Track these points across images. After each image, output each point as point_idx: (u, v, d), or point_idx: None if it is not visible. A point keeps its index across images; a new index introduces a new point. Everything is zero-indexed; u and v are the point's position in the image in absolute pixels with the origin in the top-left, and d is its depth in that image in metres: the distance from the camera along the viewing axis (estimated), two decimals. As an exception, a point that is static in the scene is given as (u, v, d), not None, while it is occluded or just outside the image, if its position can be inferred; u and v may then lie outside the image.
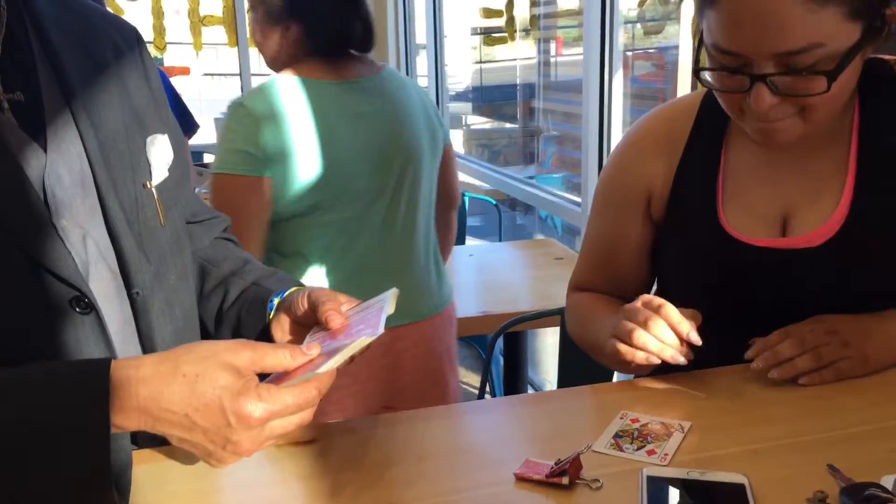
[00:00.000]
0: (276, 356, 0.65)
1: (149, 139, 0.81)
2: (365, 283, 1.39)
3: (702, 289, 1.00)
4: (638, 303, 0.88)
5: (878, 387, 0.87)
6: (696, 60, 0.90)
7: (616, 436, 0.77)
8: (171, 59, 6.02)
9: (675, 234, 1.03)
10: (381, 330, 0.67)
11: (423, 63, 4.71)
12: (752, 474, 0.68)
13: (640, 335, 0.84)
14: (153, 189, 0.79)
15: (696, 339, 0.84)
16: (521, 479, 0.70)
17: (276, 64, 1.46)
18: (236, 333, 0.87)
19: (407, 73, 4.85)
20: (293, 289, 0.85)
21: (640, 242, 1.06)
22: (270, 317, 0.83)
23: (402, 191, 1.47)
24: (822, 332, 0.88)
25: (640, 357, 0.85)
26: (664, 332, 0.84)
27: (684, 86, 2.14)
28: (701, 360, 0.89)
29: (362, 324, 0.70)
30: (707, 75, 0.87)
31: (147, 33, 4.28)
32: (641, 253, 1.07)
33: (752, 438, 0.76)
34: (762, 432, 0.78)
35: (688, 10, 1.88)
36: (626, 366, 0.88)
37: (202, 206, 0.99)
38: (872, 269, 0.92)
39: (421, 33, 4.61)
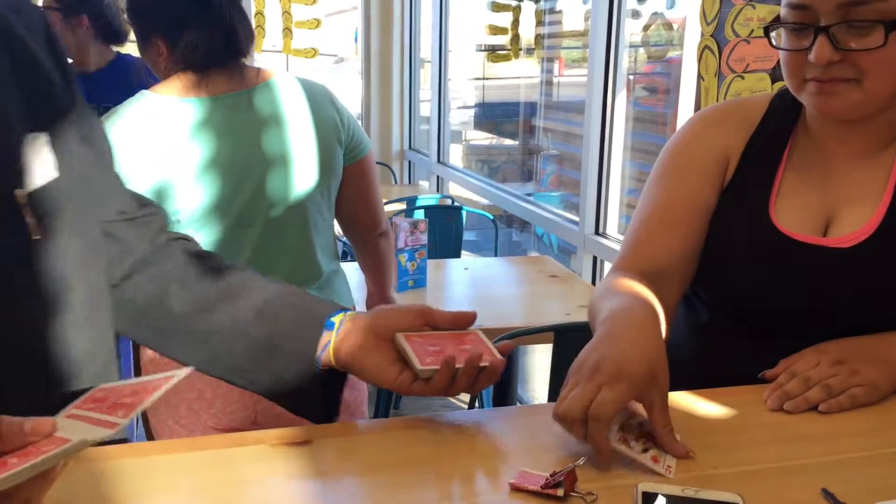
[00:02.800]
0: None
1: (26, 137, 0.68)
2: None
3: (736, 277, 1.01)
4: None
5: (877, 413, 0.87)
6: (766, 26, 0.95)
7: (621, 428, 0.76)
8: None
9: (725, 214, 1.02)
10: (125, 422, 0.56)
11: (426, 77, 4.73)
12: (747, 495, 0.68)
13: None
14: (22, 197, 0.67)
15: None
16: (515, 489, 0.70)
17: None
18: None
19: (410, 87, 4.87)
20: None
21: (708, 207, 1.03)
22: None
23: (272, 210, 1.42)
24: (828, 364, 0.89)
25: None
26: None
27: (686, 110, 2.16)
28: (731, 356, 0.91)
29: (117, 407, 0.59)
30: (774, 36, 0.94)
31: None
32: (706, 219, 1.04)
33: (748, 459, 0.76)
34: (759, 454, 0.78)
35: (692, 35, 1.90)
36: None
37: (132, 201, 0.87)
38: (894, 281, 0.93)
39: (426, 48, 4.64)
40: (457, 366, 0.79)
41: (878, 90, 0.90)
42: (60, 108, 0.73)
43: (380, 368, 0.81)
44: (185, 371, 0.62)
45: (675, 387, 0.93)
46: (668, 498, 0.67)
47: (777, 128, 1.04)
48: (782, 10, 0.92)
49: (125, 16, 1.49)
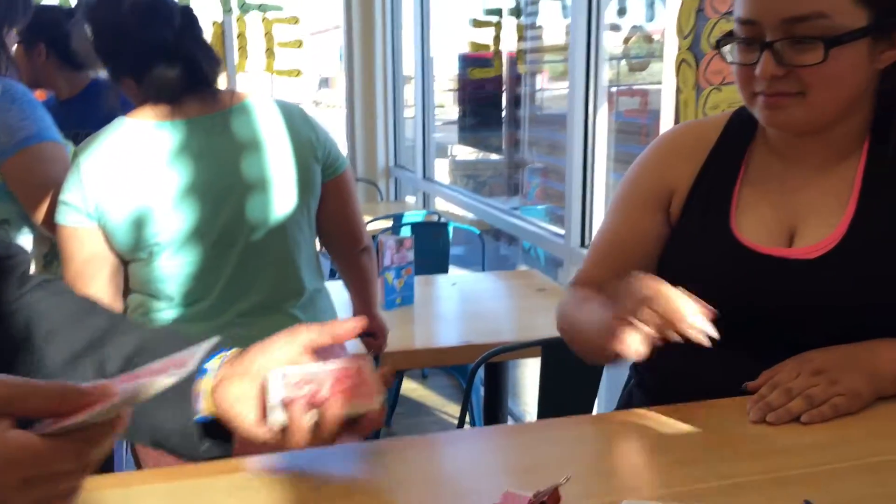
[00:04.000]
0: (42, 397, 0.51)
1: None
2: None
3: (704, 293, 1.01)
4: (638, 281, 0.87)
5: (858, 422, 0.87)
6: (718, 40, 0.98)
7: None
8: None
9: (687, 236, 1.06)
10: (189, 369, 0.56)
11: (410, 93, 4.75)
12: (730, 509, 0.68)
13: (646, 311, 0.83)
14: None
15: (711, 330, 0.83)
16: (499, 510, 0.70)
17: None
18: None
19: (394, 104, 4.89)
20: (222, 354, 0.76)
21: (655, 239, 1.09)
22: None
23: (252, 230, 1.43)
24: (808, 374, 0.90)
25: (643, 333, 0.83)
26: (683, 305, 0.83)
27: (667, 122, 2.17)
28: (703, 371, 0.92)
29: (171, 363, 0.58)
30: (726, 51, 0.97)
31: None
32: (654, 251, 1.09)
33: (732, 472, 0.76)
34: (742, 466, 0.78)
35: (671, 48, 1.92)
36: (624, 345, 0.85)
37: None
38: (866, 285, 0.94)
39: (409, 65, 4.66)
40: (310, 416, 0.70)
41: (821, 104, 0.92)
42: None
43: (242, 416, 0.73)
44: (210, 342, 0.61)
45: (652, 403, 0.94)
46: (651, 515, 0.67)
47: (734, 145, 1.07)
48: (734, 26, 0.95)
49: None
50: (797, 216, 1.00)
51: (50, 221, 1.60)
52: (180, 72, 1.38)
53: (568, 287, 1.17)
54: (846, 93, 0.93)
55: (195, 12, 1.45)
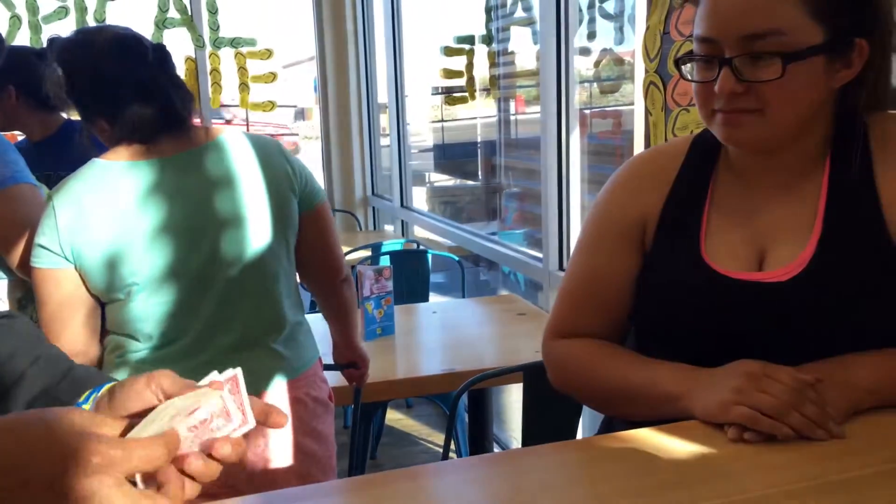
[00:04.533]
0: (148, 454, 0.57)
1: None
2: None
3: (679, 321, 1.03)
4: (758, 370, 0.89)
5: (863, 432, 0.87)
6: (677, 58, 1.00)
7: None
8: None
9: (659, 264, 1.06)
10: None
11: (385, 122, 4.77)
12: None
13: (794, 416, 0.85)
14: None
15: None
16: (481, 543, 0.69)
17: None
18: None
19: (370, 133, 4.91)
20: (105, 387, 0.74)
21: (631, 274, 1.09)
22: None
23: (231, 267, 1.42)
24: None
25: (776, 428, 0.85)
26: (814, 411, 0.85)
27: (639, 142, 2.20)
28: None
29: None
30: (685, 69, 0.99)
31: (108, 95, 4.28)
32: (631, 285, 1.09)
33: (724, 492, 0.76)
34: (746, 483, 0.78)
35: (640, 70, 1.94)
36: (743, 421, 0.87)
37: None
38: (839, 303, 0.95)
39: (383, 93, 4.68)
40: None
41: (780, 120, 0.94)
42: None
43: None
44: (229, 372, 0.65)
45: (632, 426, 0.94)
46: (634, 541, 0.67)
47: (697, 170, 1.07)
48: (693, 45, 0.97)
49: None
50: (765, 238, 1.00)
51: (25, 264, 1.59)
52: (155, 111, 1.37)
53: (549, 338, 1.15)
54: (804, 109, 0.94)
55: (167, 48, 1.44)
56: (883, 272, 0.94)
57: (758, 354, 0.93)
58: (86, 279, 1.37)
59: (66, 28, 3.94)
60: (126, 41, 1.38)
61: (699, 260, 1.01)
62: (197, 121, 1.45)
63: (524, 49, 4.22)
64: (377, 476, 0.85)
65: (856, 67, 0.94)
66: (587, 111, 3.63)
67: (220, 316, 1.42)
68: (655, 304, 1.06)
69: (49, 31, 3.96)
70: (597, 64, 2.94)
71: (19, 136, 2.32)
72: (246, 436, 1.38)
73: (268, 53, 4.37)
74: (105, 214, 1.35)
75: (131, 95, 1.36)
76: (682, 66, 0.99)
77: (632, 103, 3.07)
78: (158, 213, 1.37)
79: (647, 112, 1.86)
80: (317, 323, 1.73)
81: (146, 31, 4.08)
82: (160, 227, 1.37)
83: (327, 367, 1.65)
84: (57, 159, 2.19)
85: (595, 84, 3.21)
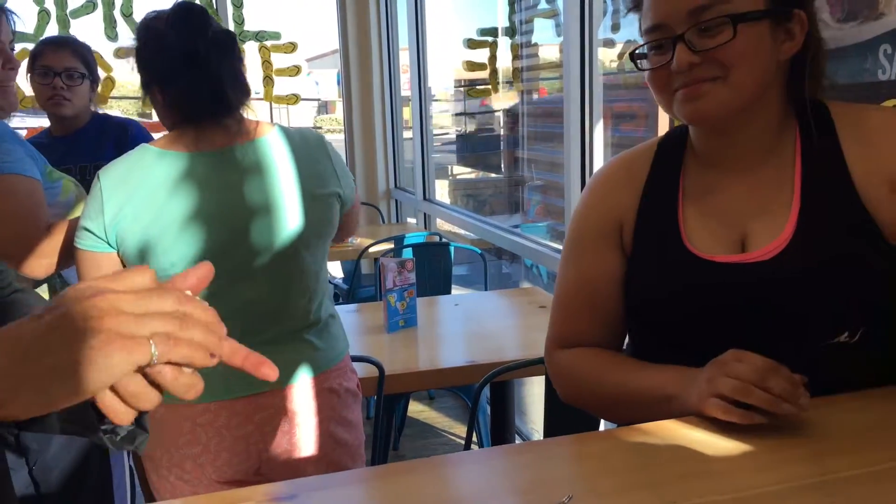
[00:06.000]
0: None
1: None
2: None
3: (670, 313, 1.05)
4: (729, 357, 0.91)
5: (863, 431, 0.87)
6: (632, 52, 1.02)
7: None
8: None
9: (643, 260, 1.09)
10: None
11: (408, 115, 4.78)
12: (733, 523, 0.68)
13: (757, 393, 0.86)
14: None
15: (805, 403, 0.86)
16: (502, 531, 0.70)
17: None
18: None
19: (393, 126, 4.92)
20: None
21: (618, 275, 1.12)
22: None
23: (268, 263, 1.43)
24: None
25: (748, 417, 0.86)
26: (779, 384, 0.86)
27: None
28: None
29: None
30: (640, 63, 1.01)
31: (135, 90, 4.33)
32: (618, 286, 1.12)
33: (733, 486, 0.77)
34: (743, 480, 0.78)
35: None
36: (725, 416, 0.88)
37: None
38: (822, 279, 0.96)
39: (406, 87, 4.69)
40: None
41: (743, 81, 0.96)
42: None
43: None
44: None
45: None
46: (654, 531, 0.67)
47: (667, 167, 1.10)
48: (644, 40, 1.00)
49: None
50: (744, 221, 1.02)
51: (15, 255, 1.56)
52: (205, 88, 1.38)
53: (551, 350, 1.18)
54: (760, 73, 0.97)
55: (237, 39, 1.46)
56: (864, 243, 0.95)
57: (750, 336, 0.95)
58: (126, 264, 1.40)
59: (93, 22, 3.99)
60: (192, 11, 1.39)
61: (682, 249, 1.04)
62: (248, 116, 1.45)
63: (548, 41, 4.20)
64: (400, 465, 0.86)
65: (798, 39, 0.97)
66: (611, 104, 3.61)
67: (252, 311, 1.44)
68: (645, 301, 1.08)
69: (77, 25, 4.01)
70: (621, 56, 2.92)
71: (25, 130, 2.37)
72: (274, 426, 1.39)
73: (292, 47, 4.39)
74: (143, 200, 1.37)
75: (185, 66, 1.37)
76: (638, 61, 1.02)
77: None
78: (200, 204, 1.39)
79: (672, 104, 1.85)
80: (343, 315, 1.74)
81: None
82: (201, 218, 1.39)
83: (354, 359, 1.67)
84: (83, 151, 2.24)
85: (619, 76, 3.20)
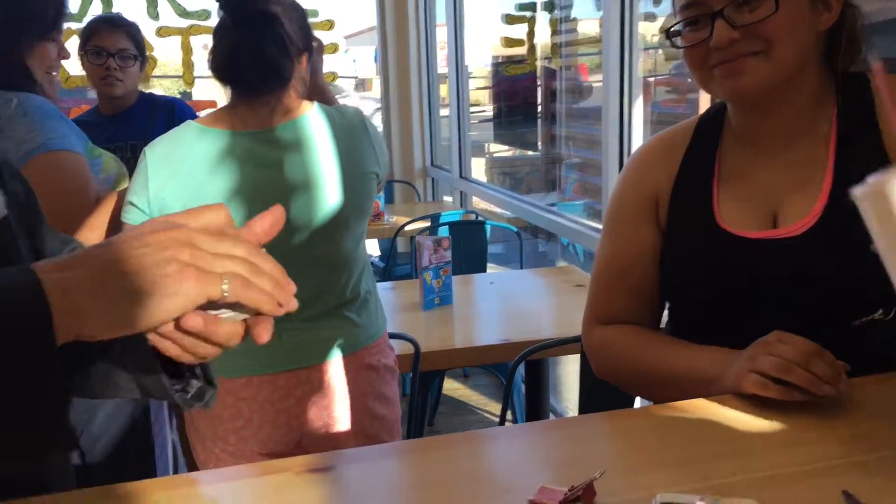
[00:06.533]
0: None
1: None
2: (280, 334, 1.36)
3: (704, 289, 1.06)
4: (773, 337, 0.91)
5: (893, 414, 0.86)
6: (667, 29, 1.01)
7: None
8: (199, 93, 6.15)
9: (676, 237, 1.09)
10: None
11: (444, 92, 4.76)
12: (766, 500, 0.68)
13: (798, 371, 0.86)
14: None
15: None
16: (534, 505, 0.71)
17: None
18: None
19: (429, 105, 4.91)
20: None
21: (654, 251, 1.12)
22: None
23: (308, 242, 1.44)
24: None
25: (786, 393, 0.86)
26: (823, 368, 0.85)
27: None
28: None
29: None
30: (676, 41, 1.00)
31: (177, 68, 4.39)
32: (655, 261, 1.12)
33: (765, 465, 0.76)
34: (775, 458, 0.78)
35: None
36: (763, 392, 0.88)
37: (60, 244, 0.88)
38: (853, 252, 0.93)
39: (443, 64, 4.67)
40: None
41: (785, 56, 0.94)
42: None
43: None
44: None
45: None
46: (687, 508, 0.68)
47: (704, 145, 1.10)
48: (677, 17, 0.99)
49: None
50: (776, 198, 1.02)
51: (66, 228, 1.61)
52: (250, 48, 1.38)
53: (588, 327, 1.18)
54: (801, 47, 0.95)
55: (307, 16, 1.50)
56: None
57: (783, 313, 0.95)
58: None
59: (136, 1, 4.04)
60: None
61: (714, 226, 1.04)
62: (292, 94, 1.45)
63: (587, 15, 4.14)
64: (436, 439, 0.87)
65: (835, 11, 0.96)
66: (651, 79, 3.56)
67: (296, 285, 1.46)
68: (679, 277, 1.09)
69: (120, 2, 4.06)
70: (662, 30, 2.86)
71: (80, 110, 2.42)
72: (314, 401, 1.42)
73: (329, 24, 4.40)
74: (185, 176, 1.39)
75: (235, 23, 1.38)
76: (673, 39, 1.00)
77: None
78: (238, 181, 1.41)
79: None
80: (380, 293, 1.76)
81: (213, 3, 4.15)
82: (243, 196, 1.41)
83: (391, 336, 1.69)
84: (132, 130, 2.28)
85: (660, 51, 3.14)
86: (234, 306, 0.59)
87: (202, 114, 1.56)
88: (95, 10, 4.02)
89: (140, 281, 0.53)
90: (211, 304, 0.57)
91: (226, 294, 0.56)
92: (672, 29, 1.00)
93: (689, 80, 1.09)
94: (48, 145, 1.61)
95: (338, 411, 1.50)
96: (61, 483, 0.83)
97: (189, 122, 1.45)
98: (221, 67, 1.42)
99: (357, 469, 0.80)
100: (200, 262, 0.56)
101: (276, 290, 0.59)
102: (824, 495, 0.70)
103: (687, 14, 0.97)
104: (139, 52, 2.31)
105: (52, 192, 1.59)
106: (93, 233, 1.62)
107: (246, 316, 0.61)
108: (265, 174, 1.42)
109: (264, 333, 0.61)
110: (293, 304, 0.61)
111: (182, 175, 1.39)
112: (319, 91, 1.60)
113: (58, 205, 1.59)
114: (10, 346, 0.51)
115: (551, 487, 0.72)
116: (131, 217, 1.43)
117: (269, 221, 0.65)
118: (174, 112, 2.35)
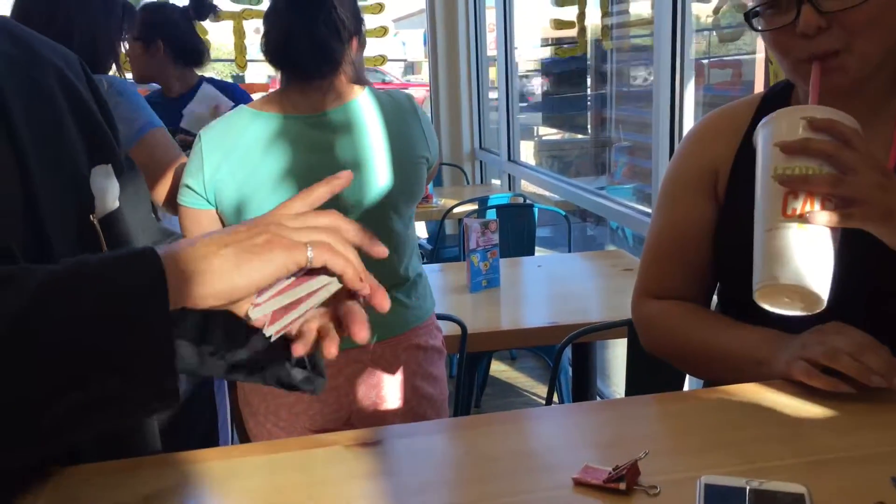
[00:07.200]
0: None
1: (94, 170, 0.77)
2: None
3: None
4: (829, 327, 0.90)
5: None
6: (748, 10, 0.96)
7: None
8: (252, 76, 6.24)
9: (734, 213, 1.07)
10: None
11: (494, 75, 4.75)
12: (813, 485, 0.68)
13: (846, 360, 0.85)
14: (96, 222, 0.76)
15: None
16: (579, 483, 0.72)
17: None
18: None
19: (478, 87, 4.90)
20: None
21: (709, 225, 1.10)
22: None
23: (358, 222, 1.45)
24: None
25: (832, 384, 0.85)
26: (876, 360, 0.85)
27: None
28: None
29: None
30: (758, 22, 0.95)
31: (229, 52, 4.46)
32: (709, 237, 1.10)
33: (813, 449, 0.76)
34: (823, 443, 0.77)
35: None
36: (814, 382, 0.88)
37: (160, 234, 0.94)
38: None
39: (492, 46, 4.66)
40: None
41: (869, 50, 0.91)
42: (110, 147, 0.82)
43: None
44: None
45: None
46: (732, 490, 0.68)
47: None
48: None
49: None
50: None
51: (169, 202, 1.73)
52: (315, 54, 1.41)
53: (637, 300, 1.17)
54: (889, 35, 0.91)
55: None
56: None
57: (838, 294, 0.92)
58: (223, 221, 1.48)
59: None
60: None
61: None
62: (343, 78, 1.47)
63: (639, -3, 4.07)
64: (481, 417, 0.89)
65: None
66: (704, 61, 3.49)
67: None
68: (733, 255, 1.06)
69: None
70: (716, 11, 2.81)
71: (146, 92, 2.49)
72: (363, 380, 1.45)
73: (379, 8, 4.41)
74: (239, 159, 1.43)
75: (288, 6, 1.41)
76: (753, 19, 0.96)
77: (753, 52, 2.93)
78: (284, 163, 1.44)
79: (768, 61, 1.78)
80: (427, 275, 1.78)
81: (264, -12, 4.21)
82: (284, 177, 1.44)
83: (439, 317, 1.71)
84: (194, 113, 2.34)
85: (714, 33, 3.08)
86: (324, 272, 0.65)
87: (255, 97, 1.60)
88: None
89: (234, 251, 0.61)
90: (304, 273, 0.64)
91: (311, 259, 0.62)
92: (752, 10, 0.95)
93: (744, 62, 1.06)
94: (153, 122, 1.81)
95: (386, 390, 1.53)
96: (148, 444, 0.88)
97: (242, 106, 1.48)
98: (275, 51, 1.44)
99: (404, 444, 0.82)
100: (286, 234, 0.63)
101: (358, 262, 0.66)
102: (873, 482, 0.70)
103: None
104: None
105: (162, 165, 1.80)
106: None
107: (331, 280, 0.66)
108: (316, 157, 1.44)
109: (333, 348, 0.69)
110: (373, 285, 0.68)
111: (235, 158, 1.42)
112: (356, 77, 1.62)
113: (167, 175, 1.79)
114: (131, 302, 0.57)
115: (595, 466, 0.73)
116: (187, 199, 1.47)
117: (338, 182, 0.73)
118: (231, 96, 2.40)
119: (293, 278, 0.65)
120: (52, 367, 0.55)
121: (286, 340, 0.68)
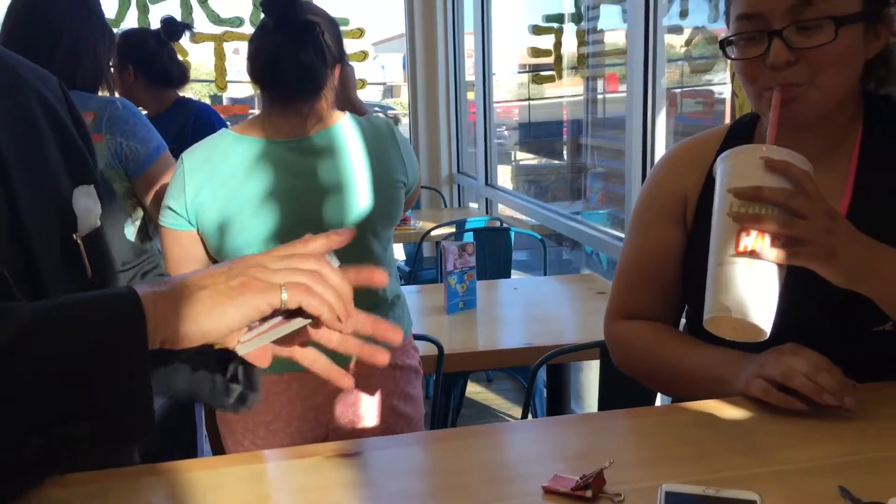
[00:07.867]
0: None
1: (76, 190, 0.79)
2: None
3: None
4: (787, 348, 0.95)
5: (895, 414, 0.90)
6: (722, 39, 1.02)
7: None
8: (232, 94, 6.27)
9: (700, 239, 1.09)
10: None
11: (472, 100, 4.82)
12: (766, 493, 0.72)
13: (801, 379, 0.90)
14: (80, 241, 0.78)
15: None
16: (548, 492, 0.76)
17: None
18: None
19: (456, 112, 4.97)
20: None
21: (678, 250, 1.15)
22: None
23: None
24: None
25: (788, 402, 0.90)
26: (829, 380, 0.90)
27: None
28: None
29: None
30: (731, 50, 1.00)
31: (209, 73, 4.49)
32: (678, 261, 1.15)
33: (768, 461, 0.81)
34: (778, 455, 0.82)
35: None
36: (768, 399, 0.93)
37: (133, 253, 0.97)
38: None
39: (471, 71, 4.73)
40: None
41: (832, 86, 0.96)
42: (89, 168, 0.84)
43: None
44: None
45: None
46: (690, 497, 0.72)
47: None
48: (733, 25, 0.99)
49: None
50: None
51: None
52: (300, 78, 1.44)
53: (610, 320, 1.22)
54: (852, 75, 0.97)
55: (340, 29, 1.56)
56: None
57: (797, 318, 0.96)
58: (205, 242, 1.50)
59: (173, 9, 4.15)
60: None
61: None
62: (324, 103, 1.51)
63: (614, 26, 4.18)
64: (457, 430, 0.93)
65: (883, 39, 0.97)
66: (677, 90, 3.58)
67: None
68: (698, 280, 1.10)
69: (157, 11, 4.18)
70: (688, 42, 2.90)
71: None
72: (341, 398, 1.48)
73: (359, 33, 4.48)
74: (221, 181, 1.46)
75: (277, 28, 1.44)
76: (727, 48, 1.01)
77: (724, 83, 3.01)
78: (265, 186, 1.47)
79: (734, 94, 1.86)
80: (405, 296, 1.81)
81: (246, 11, 4.26)
82: (266, 199, 1.47)
83: (415, 338, 1.74)
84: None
85: (686, 63, 3.17)
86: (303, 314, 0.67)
87: (230, 118, 1.64)
88: (131, 17, 4.15)
89: (210, 294, 0.63)
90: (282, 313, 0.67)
91: (284, 301, 0.65)
92: (727, 39, 1.01)
93: (715, 93, 1.11)
94: (164, 143, 1.91)
95: (363, 409, 1.55)
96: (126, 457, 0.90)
97: (225, 129, 1.52)
98: (261, 70, 1.48)
99: (382, 455, 0.86)
100: (262, 276, 0.65)
101: (338, 304, 0.67)
102: (822, 491, 0.74)
103: (744, 26, 0.98)
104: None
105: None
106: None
107: (307, 322, 0.68)
108: (298, 181, 1.48)
109: (382, 358, 0.73)
110: (352, 325, 0.70)
111: (217, 181, 1.46)
112: (350, 103, 1.66)
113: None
114: (112, 342, 0.60)
115: (564, 476, 0.77)
116: (168, 220, 1.49)
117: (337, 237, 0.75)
118: (206, 118, 2.44)
119: (280, 317, 0.68)
120: (33, 402, 0.59)
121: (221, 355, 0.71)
